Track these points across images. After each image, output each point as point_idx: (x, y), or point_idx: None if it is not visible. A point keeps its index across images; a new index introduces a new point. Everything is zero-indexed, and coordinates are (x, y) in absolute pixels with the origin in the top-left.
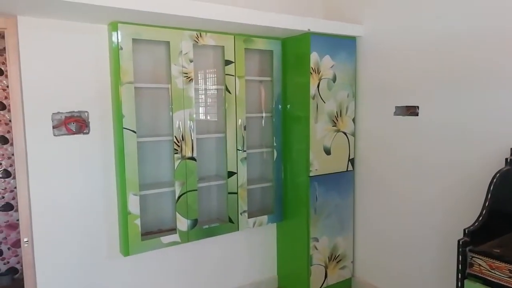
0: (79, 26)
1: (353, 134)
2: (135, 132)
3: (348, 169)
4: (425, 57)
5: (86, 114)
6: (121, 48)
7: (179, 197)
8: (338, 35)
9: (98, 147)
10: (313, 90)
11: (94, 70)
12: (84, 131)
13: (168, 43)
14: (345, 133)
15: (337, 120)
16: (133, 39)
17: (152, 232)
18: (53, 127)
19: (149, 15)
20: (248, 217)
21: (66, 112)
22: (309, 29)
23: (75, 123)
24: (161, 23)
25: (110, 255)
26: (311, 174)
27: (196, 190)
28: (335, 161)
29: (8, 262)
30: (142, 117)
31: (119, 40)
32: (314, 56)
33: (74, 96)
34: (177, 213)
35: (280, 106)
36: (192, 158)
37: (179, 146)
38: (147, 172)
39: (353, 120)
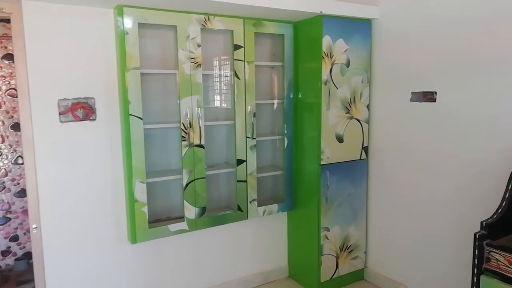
0: (85, 11)
1: (367, 122)
2: (141, 118)
3: (362, 158)
4: (444, 40)
5: (92, 100)
6: (127, 33)
7: (187, 185)
8: (352, 17)
9: (105, 133)
10: (325, 75)
11: (101, 56)
12: (91, 118)
13: (175, 27)
14: (358, 120)
15: (350, 107)
16: (139, 23)
17: (160, 220)
18: (60, 114)
19: None
20: (258, 206)
21: (73, 99)
22: (321, 11)
23: (82, 110)
24: (168, 6)
25: (118, 242)
26: (322, 163)
27: (204, 178)
28: (348, 149)
29: (24, 247)
30: (149, 103)
31: (125, 25)
32: (326, 40)
33: (81, 82)
34: (185, 201)
35: (291, 93)
36: (200, 146)
37: (186, 133)
38: (154, 159)
39: (368, 106)
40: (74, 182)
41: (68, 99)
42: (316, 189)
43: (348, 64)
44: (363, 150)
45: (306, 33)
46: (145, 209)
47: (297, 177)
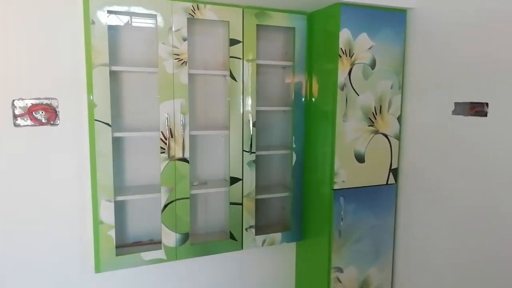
0: None
1: (398, 137)
2: (109, 125)
3: (389, 182)
4: (502, 36)
5: (56, 101)
6: (93, 22)
7: (165, 206)
8: (381, 6)
9: (69, 141)
10: (342, 78)
11: (67, 50)
12: (53, 122)
13: (154, 16)
14: (386, 136)
15: (375, 118)
16: (108, 11)
17: (130, 245)
18: (15, 116)
19: None
20: (256, 234)
21: (32, 99)
22: None
23: (43, 112)
24: None
25: (83, 271)
26: (335, 187)
27: (188, 198)
28: (371, 171)
29: None
30: (121, 107)
31: (90, 13)
32: (344, 34)
33: (42, 80)
34: (162, 225)
35: (302, 98)
36: (184, 160)
37: (166, 144)
38: (128, 173)
39: (398, 118)
40: (31, 201)
41: (26, 99)
42: (326, 219)
43: (373, 65)
44: (391, 173)
45: (321, 26)
46: (111, 232)
47: (308, 200)
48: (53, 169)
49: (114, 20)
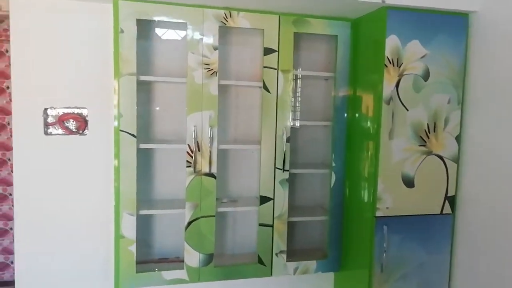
0: (80, 6)
1: (456, 160)
2: (135, 136)
3: (444, 212)
4: None
5: (86, 111)
6: (122, 31)
7: (189, 223)
8: (436, 9)
9: (97, 152)
10: (388, 90)
11: (97, 59)
12: (81, 132)
13: (185, 25)
14: (441, 158)
15: (428, 137)
16: (137, 19)
17: (156, 261)
18: (46, 125)
19: None
20: (288, 260)
21: (63, 107)
22: (383, 1)
23: (73, 121)
24: None
25: (104, 287)
26: (378, 214)
27: (213, 216)
28: (422, 197)
29: None
30: (148, 118)
31: (120, 21)
32: (392, 42)
33: (72, 89)
34: (185, 243)
35: (345, 113)
36: (211, 175)
37: (192, 158)
38: (155, 186)
39: (457, 138)
40: (57, 210)
41: (56, 108)
42: (367, 250)
43: (426, 76)
44: (446, 201)
45: (366, 33)
46: (132, 248)
47: (348, 226)
48: (80, 179)
49: (144, 29)
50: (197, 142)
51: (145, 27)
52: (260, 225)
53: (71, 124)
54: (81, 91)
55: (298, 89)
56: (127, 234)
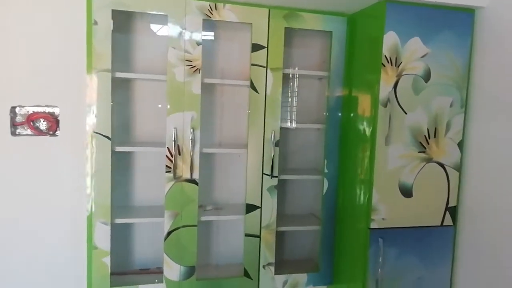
0: None
1: (458, 168)
2: (109, 138)
3: (445, 224)
4: None
5: (57, 110)
6: (96, 23)
7: (169, 233)
8: (440, 4)
9: (68, 154)
10: (385, 92)
11: (70, 54)
12: (52, 132)
13: (165, 17)
14: (442, 165)
15: (427, 143)
16: (113, 10)
17: (136, 272)
18: (14, 124)
19: None
20: (276, 273)
21: (32, 106)
22: None
23: (45, 121)
24: None
25: None
26: (373, 225)
27: (195, 225)
28: (420, 208)
29: None
30: (125, 119)
31: (93, 12)
32: (390, 38)
33: (43, 86)
34: (165, 254)
35: (338, 116)
36: (192, 181)
37: (172, 162)
38: (130, 192)
39: (460, 144)
40: (26, 215)
41: (25, 106)
42: (361, 264)
43: (427, 77)
44: (447, 212)
45: (364, 29)
46: (106, 259)
47: (341, 237)
48: (50, 184)
49: (121, 22)
50: (178, 145)
51: (122, 19)
52: (247, 235)
53: (42, 124)
54: (52, 88)
55: (289, 89)
56: (101, 245)
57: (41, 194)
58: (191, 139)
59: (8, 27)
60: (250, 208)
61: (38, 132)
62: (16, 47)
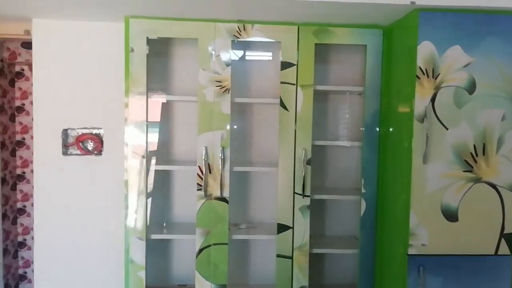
0: (94, 27)
1: None
2: (144, 157)
3: (500, 252)
4: None
5: (102, 131)
6: (132, 50)
7: (200, 251)
8: (481, 9)
9: (111, 172)
10: (421, 106)
11: (112, 79)
12: (96, 152)
13: (196, 41)
14: (494, 186)
15: (475, 161)
16: (148, 38)
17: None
18: (65, 145)
19: (165, 1)
20: None
21: (80, 128)
22: (412, 1)
23: (91, 142)
24: (190, 14)
25: None
26: (411, 251)
27: (226, 243)
28: (468, 234)
29: None
30: (163, 138)
31: (130, 40)
32: (425, 49)
33: (88, 110)
34: (196, 271)
35: (376, 132)
36: (223, 199)
37: (202, 180)
38: (168, 209)
39: None
40: (73, 231)
41: (74, 128)
42: None
43: (471, 88)
44: (502, 239)
45: (400, 41)
46: (142, 273)
47: (381, 262)
48: (95, 200)
49: (157, 48)
50: (208, 163)
51: (157, 45)
52: (278, 256)
53: (89, 145)
54: (97, 111)
55: (323, 106)
56: (136, 259)
57: (86, 209)
58: (221, 157)
59: (57, 57)
60: (281, 228)
61: (86, 152)
62: (65, 75)
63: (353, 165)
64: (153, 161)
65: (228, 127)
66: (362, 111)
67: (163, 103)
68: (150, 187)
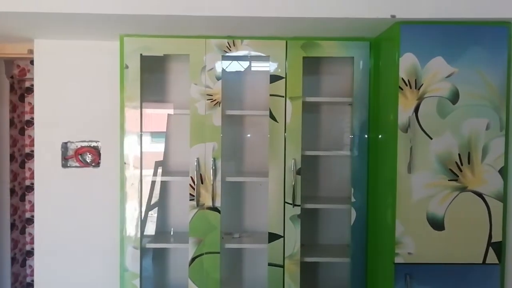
0: (91, 46)
1: (501, 198)
2: (138, 168)
3: (488, 261)
4: None
5: (99, 144)
6: (127, 67)
7: (193, 259)
8: (463, 20)
9: (108, 183)
10: (404, 116)
11: (107, 95)
12: (94, 164)
13: (187, 56)
14: (480, 195)
15: (460, 170)
16: (141, 55)
17: None
18: (64, 158)
19: (158, 21)
20: None
21: (79, 141)
22: (393, 15)
23: (89, 154)
24: (181, 31)
25: None
26: (397, 260)
27: (218, 252)
28: (456, 242)
29: None
30: (154, 150)
31: (125, 57)
32: (407, 60)
33: (86, 124)
34: (189, 280)
35: (365, 142)
36: (215, 209)
37: (194, 190)
38: (164, 219)
39: (501, 171)
40: (72, 240)
41: (73, 142)
42: None
43: (454, 98)
44: (490, 248)
45: (384, 53)
46: (136, 282)
47: (372, 271)
48: (93, 210)
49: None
50: (200, 174)
51: (151, 61)
52: (270, 265)
53: (88, 157)
54: (95, 125)
55: (312, 117)
56: (131, 267)
57: (84, 219)
58: (213, 168)
59: (57, 75)
60: (272, 237)
61: (84, 164)
62: (64, 91)
63: (344, 175)
64: (148, 172)
65: (220, 138)
66: (351, 122)
67: (157, 117)
68: (145, 197)
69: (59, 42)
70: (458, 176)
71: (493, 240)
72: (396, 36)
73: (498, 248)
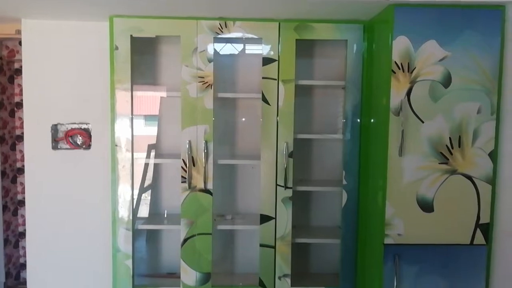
0: (80, 26)
1: (490, 181)
2: (129, 150)
3: (475, 242)
4: None
5: (90, 126)
6: (117, 48)
7: (185, 240)
8: (457, 3)
9: (99, 165)
10: (396, 100)
11: (98, 76)
12: (85, 146)
13: (178, 38)
14: (470, 178)
15: (450, 154)
16: (132, 36)
17: (163, 276)
18: (54, 140)
19: (148, 1)
20: (293, 285)
21: (69, 123)
22: None
23: (80, 137)
24: (172, 12)
25: None
26: (387, 241)
27: (210, 234)
28: (444, 224)
29: None
30: (145, 132)
31: (115, 38)
32: (400, 44)
33: (76, 106)
34: (182, 260)
35: (357, 125)
36: (206, 191)
37: (186, 173)
38: (152, 200)
39: (492, 154)
40: (63, 222)
41: (63, 124)
42: (376, 283)
43: (447, 82)
44: (478, 230)
45: (378, 36)
46: (129, 262)
47: (362, 252)
48: (84, 192)
49: (141, 45)
50: (192, 157)
51: (142, 43)
52: (262, 245)
53: (78, 139)
54: (85, 107)
55: (305, 100)
56: (123, 248)
57: (76, 200)
58: (205, 151)
59: (46, 56)
60: (264, 218)
61: (75, 146)
62: (53, 72)
63: (336, 158)
64: (140, 154)
65: (211, 121)
66: (343, 105)
67: (149, 99)
68: (138, 179)
69: (48, 23)
70: (448, 159)
71: (481, 222)
72: (390, 19)
73: (486, 229)
